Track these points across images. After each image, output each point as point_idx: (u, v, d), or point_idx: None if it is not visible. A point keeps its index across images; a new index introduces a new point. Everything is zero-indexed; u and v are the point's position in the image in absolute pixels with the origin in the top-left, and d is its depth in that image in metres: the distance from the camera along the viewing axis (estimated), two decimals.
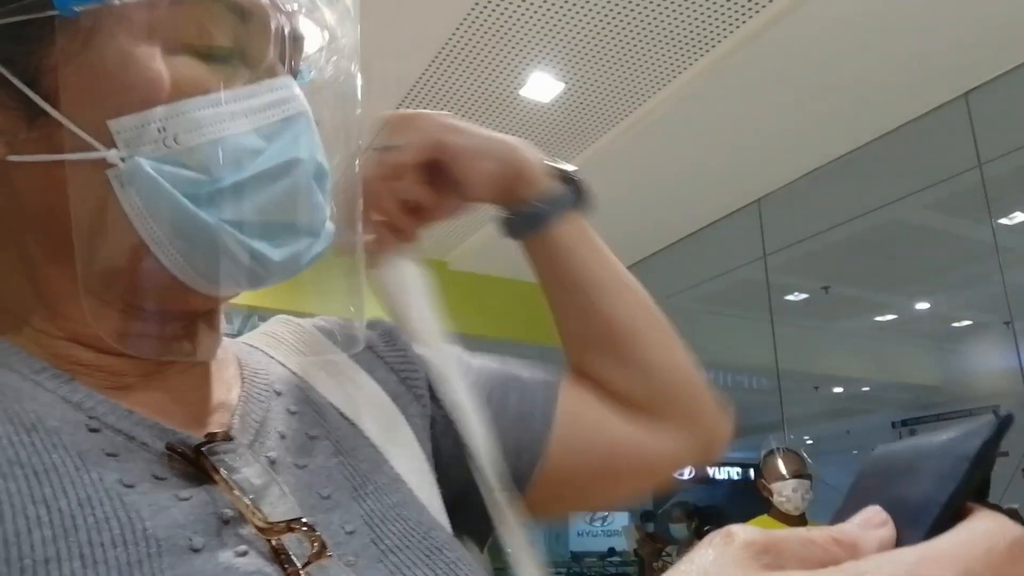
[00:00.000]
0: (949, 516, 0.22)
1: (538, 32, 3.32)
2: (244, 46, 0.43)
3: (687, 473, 10.55)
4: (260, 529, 0.38)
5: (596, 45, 3.41)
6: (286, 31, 0.45)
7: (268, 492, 0.40)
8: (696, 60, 3.51)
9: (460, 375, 0.56)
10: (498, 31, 3.31)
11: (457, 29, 3.29)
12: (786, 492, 2.78)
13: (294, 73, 0.47)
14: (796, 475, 2.79)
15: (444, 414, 0.55)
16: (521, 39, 3.37)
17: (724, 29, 3.30)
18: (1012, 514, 0.23)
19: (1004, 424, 0.23)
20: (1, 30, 0.39)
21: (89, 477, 0.36)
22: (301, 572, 0.37)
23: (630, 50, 3.45)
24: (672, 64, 3.56)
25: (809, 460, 2.91)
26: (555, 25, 3.27)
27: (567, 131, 4.15)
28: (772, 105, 3.83)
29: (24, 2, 0.39)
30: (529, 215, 0.59)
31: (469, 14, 3.20)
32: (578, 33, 3.33)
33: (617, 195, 4.56)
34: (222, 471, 0.39)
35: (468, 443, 0.53)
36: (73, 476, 0.36)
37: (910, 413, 7.14)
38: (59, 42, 0.40)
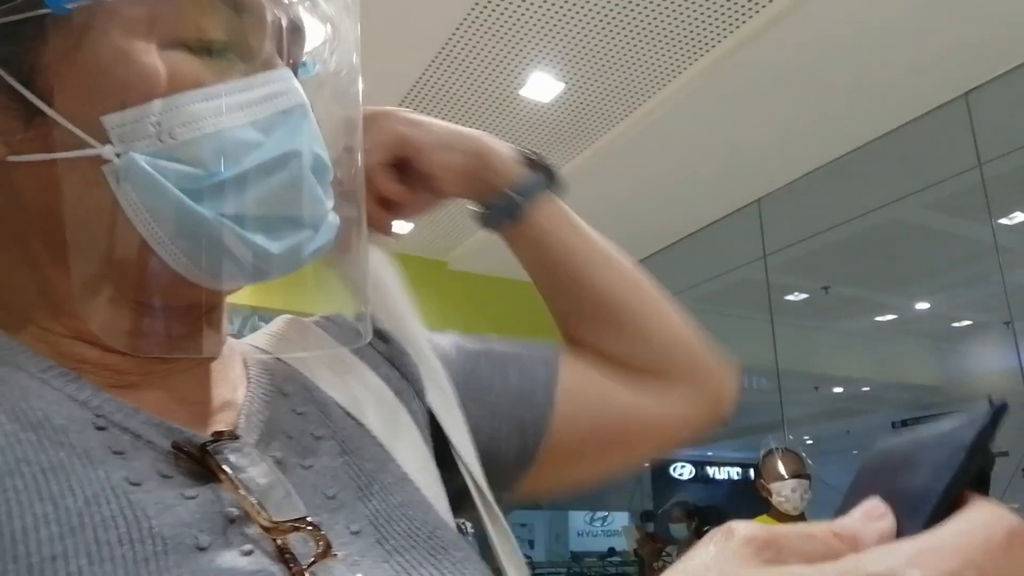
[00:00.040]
0: (947, 505, 0.22)
1: (538, 32, 3.32)
2: (239, 39, 0.43)
3: (687, 473, 10.55)
4: (265, 528, 0.38)
5: (596, 45, 3.41)
6: (283, 23, 0.45)
7: (274, 492, 0.40)
8: (696, 60, 3.52)
9: (439, 366, 0.57)
10: (498, 31, 3.31)
11: (457, 29, 3.30)
12: (785, 492, 2.78)
13: (296, 66, 0.47)
14: (795, 475, 2.79)
15: (430, 410, 0.56)
16: (521, 39, 3.37)
17: (724, 29, 3.30)
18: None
19: (999, 412, 0.23)
20: None
21: (96, 475, 0.36)
22: (306, 572, 0.37)
23: (630, 50, 3.45)
24: (672, 64, 3.56)
25: (808, 460, 2.91)
26: (555, 25, 3.27)
27: (567, 131, 4.15)
28: (772, 105, 3.83)
29: (16, 2, 0.39)
30: (504, 205, 0.59)
31: (469, 14, 3.20)
32: (578, 33, 3.33)
33: (617, 195, 4.56)
34: (228, 470, 0.39)
35: (452, 440, 0.54)
36: (80, 474, 0.36)
37: (910, 413, 7.14)
38: (52, 40, 0.40)
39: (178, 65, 0.40)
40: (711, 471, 11.18)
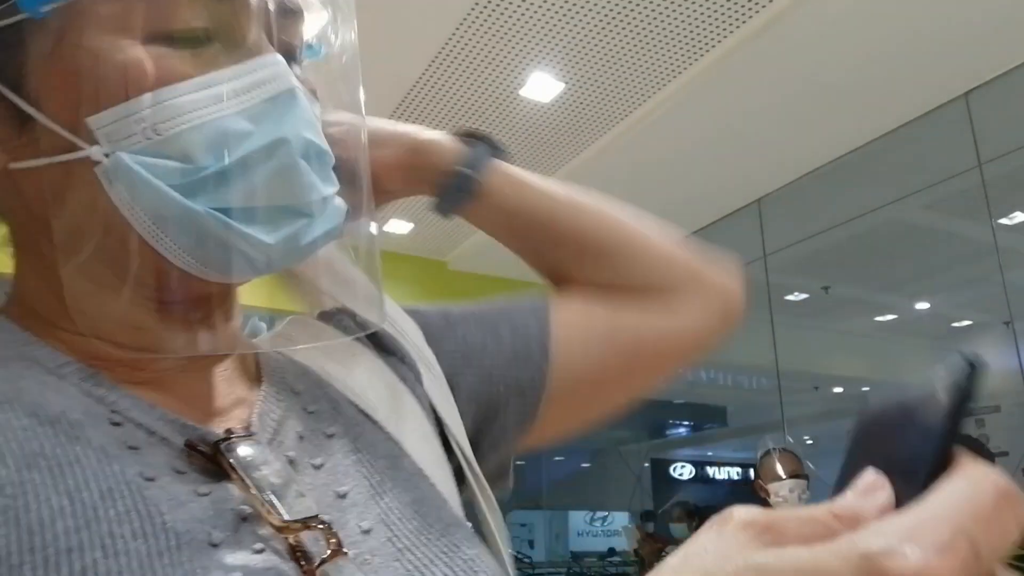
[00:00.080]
0: (940, 467, 0.23)
1: (538, 32, 3.32)
2: (223, 26, 0.42)
3: (687, 473, 10.55)
4: (276, 527, 0.38)
5: (596, 45, 3.41)
6: (271, 6, 0.44)
7: (286, 491, 0.40)
8: (696, 60, 3.51)
9: (424, 344, 0.57)
10: (498, 31, 3.31)
11: (457, 29, 3.30)
12: (783, 492, 2.78)
13: (293, 50, 0.46)
14: (793, 475, 2.79)
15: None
16: (521, 39, 3.37)
17: (724, 29, 3.30)
18: None
19: (975, 367, 0.23)
20: None
21: (111, 469, 0.37)
22: (317, 571, 0.38)
23: (630, 50, 3.45)
24: (672, 64, 3.56)
25: (806, 460, 2.91)
26: (555, 25, 3.27)
27: (567, 131, 4.15)
28: (772, 105, 3.83)
29: None
30: (456, 183, 0.59)
31: (469, 14, 3.20)
32: (578, 33, 3.33)
33: (617, 195, 4.55)
34: (239, 469, 0.39)
35: (446, 422, 0.53)
36: (95, 468, 0.36)
37: None
38: (32, 45, 0.40)
39: (159, 59, 0.40)
40: (711, 471, 11.18)
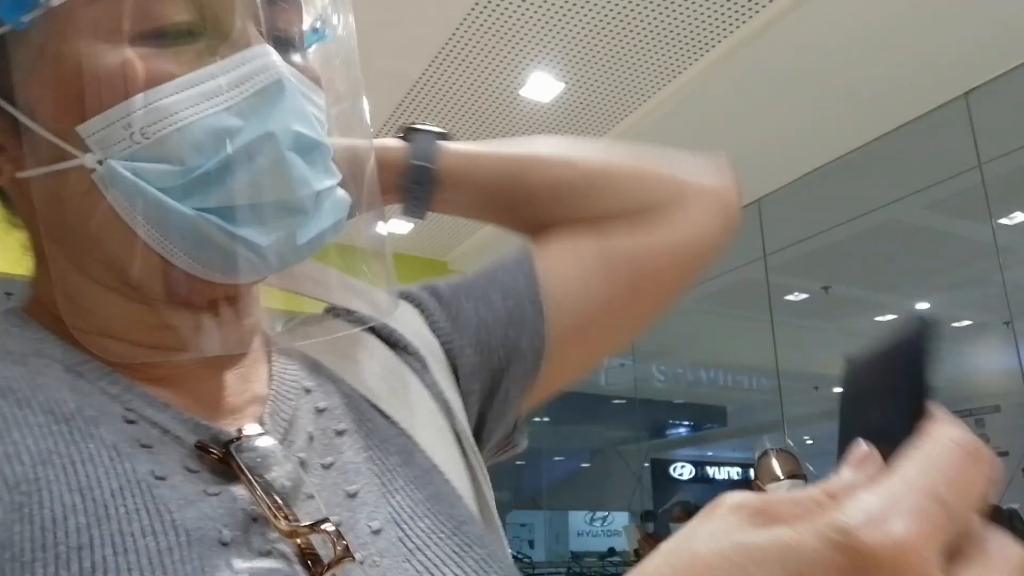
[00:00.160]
0: (912, 425, 0.23)
1: (538, 32, 3.32)
2: (207, 19, 0.41)
3: (687, 473, 10.55)
4: (281, 532, 0.38)
5: (596, 45, 3.41)
6: None
7: (296, 493, 0.40)
8: (696, 60, 3.51)
9: (423, 327, 0.56)
10: (498, 31, 3.31)
11: (457, 29, 3.30)
12: (781, 493, 2.77)
13: (292, 38, 0.44)
14: (791, 475, 2.78)
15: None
16: (521, 39, 3.37)
17: (724, 29, 3.30)
18: (1012, 514, 0.23)
19: (928, 326, 0.24)
20: None
21: (122, 467, 0.37)
22: (324, 575, 0.38)
23: (630, 50, 3.45)
24: (672, 64, 3.56)
25: (806, 461, 2.91)
26: (555, 25, 3.27)
27: (567, 131, 4.15)
28: (772, 105, 3.83)
29: None
30: (413, 179, 0.58)
31: (469, 14, 3.20)
32: (578, 33, 3.33)
33: None
34: (247, 472, 0.39)
35: (451, 406, 0.53)
36: (107, 466, 0.37)
37: None
38: (16, 55, 0.40)
39: (142, 60, 0.39)
40: (711, 471, 11.18)
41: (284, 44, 0.43)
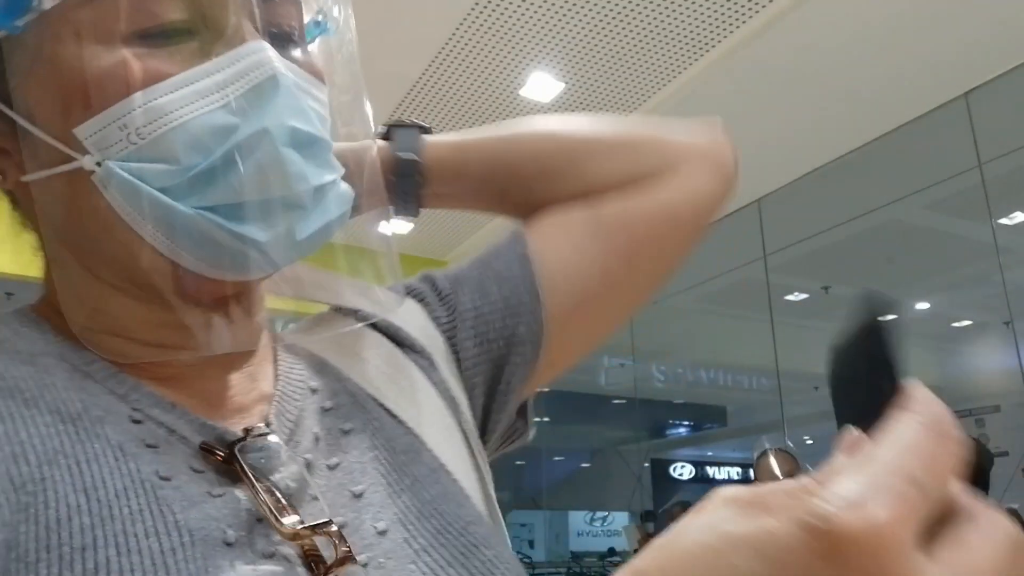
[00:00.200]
0: (884, 405, 0.24)
1: (538, 32, 3.32)
2: (201, 16, 0.41)
3: (687, 473, 10.55)
4: (283, 534, 0.38)
5: (596, 45, 3.41)
6: None
7: (301, 494, 0.40)
8: (696, 60, 3.52)
9: (428, 322, 0.56)
10: (498, 31, 3.31)
11: (457, 29, 3.30)
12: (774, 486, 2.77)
13: (290, 33, 0.44)
14: (789, 475, 2.78)
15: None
16: (521, 39, 3.37)
17: (724, 29, 3.30)
18: (1012, 514, 0.23)
19: (879, 304, 0.25)
20: None
21: (127, 467, 0.37)
22: None
23: (630, 50, 3.45)
24: (672, 64, 3.56)
25: (805, 461, 2.91)
26: (555, 25, 3.27)
27: None
28: (772, 105, 3.83)
29: None
30: (401, 175, 0.57)
31: (469, 14, 3.20)
32: (578, 33, 3.33)
33: None
34: (249, 474, 0.39)
35: (456, 399, 0.53)
36: (112, 466, 0.37)
37: None
38: (13, 60, 0.40)
39: (137, 61, 0.39)
40: (711, 471, 11.18)
41: (282, 39, 0.43)
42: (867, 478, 0.21)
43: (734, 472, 11.10)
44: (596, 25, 3.28)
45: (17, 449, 0.35)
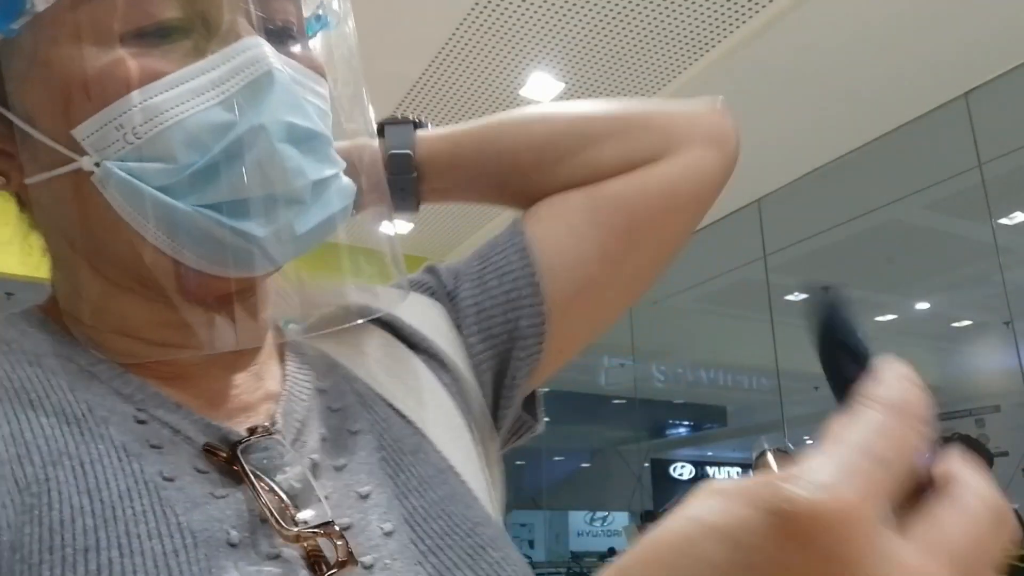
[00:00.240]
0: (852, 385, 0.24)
1: (538, 32, 3.32)
2: (196, 14, 0.40)
3: (687, 473, 10.56)
4: (285, 536, 0.38)
5: (596, 45, 3.41)
6: None
7: (306, 495, 0.40)
8: (696, 60, 3.51)
9: (441, 318, 0.56)
10: (498, 31, 3.31)
11: (457, 29, 3.30)
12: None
13: (289, 28, 0.44)
14: None
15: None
16: (521, 39, 3.37)
17: (724, 29, 3.30)
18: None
19: (832, 297, 0.25)
20: None
21: (131, 468, 0.37)
22: None
23: (630, 50, 3.45)
24: (672, 64, 3.56)
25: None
26: (555, 25, 3.27)
27: None
28: (772, 105, 3.83)
29: None
30: (396, 170, 0.57)
31: (469, 14, 3.20)
32: (578, 33, 3.33)
33: None
34: (250, 475, 0.39)
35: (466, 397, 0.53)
36: (116, 467, 0.37)
37: None
38: (10, 63, 0.41)
39: (131, 60, 0.39)
40: (711, 471, 11.18)
41: (280, 35, 0.43)
42: (833, 460, 0.21)
43: (734, 472, 11.10)
44: (596, 25, 3.28)
45: (22, 450, 0.35)
